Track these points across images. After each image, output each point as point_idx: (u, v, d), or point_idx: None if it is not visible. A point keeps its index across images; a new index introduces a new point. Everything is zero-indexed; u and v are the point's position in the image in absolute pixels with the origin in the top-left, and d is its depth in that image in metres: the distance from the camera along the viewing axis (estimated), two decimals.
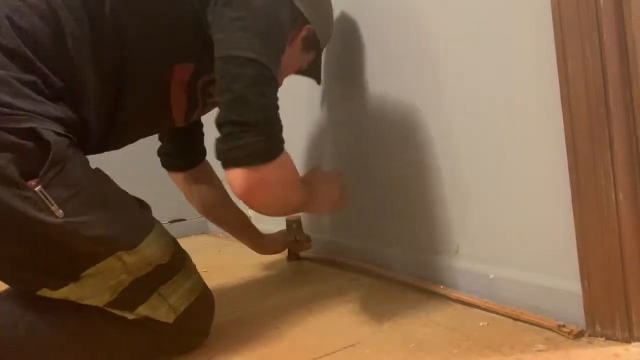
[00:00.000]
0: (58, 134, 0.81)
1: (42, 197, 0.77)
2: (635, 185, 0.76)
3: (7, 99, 0.79)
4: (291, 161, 0.97)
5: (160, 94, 1.00)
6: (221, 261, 1.70)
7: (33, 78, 0.82)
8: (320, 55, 1.25)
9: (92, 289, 0.85)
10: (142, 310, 0.89)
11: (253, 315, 1.13)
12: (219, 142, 0.89)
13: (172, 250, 0.94)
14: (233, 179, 0.89)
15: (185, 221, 2.21)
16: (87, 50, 0.88)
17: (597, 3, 0.75)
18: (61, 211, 0.78)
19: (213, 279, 1.46)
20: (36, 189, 0.77)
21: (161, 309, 0.90)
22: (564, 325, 0.85)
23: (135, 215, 0.90)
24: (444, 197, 1.11)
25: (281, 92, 0.94)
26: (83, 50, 0.88)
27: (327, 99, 1.46)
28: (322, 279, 1.36)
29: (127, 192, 0.92)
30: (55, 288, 0.84)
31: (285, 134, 0.93)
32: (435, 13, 1.05)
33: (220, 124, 0.89)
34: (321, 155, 1.52)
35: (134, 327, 0.89)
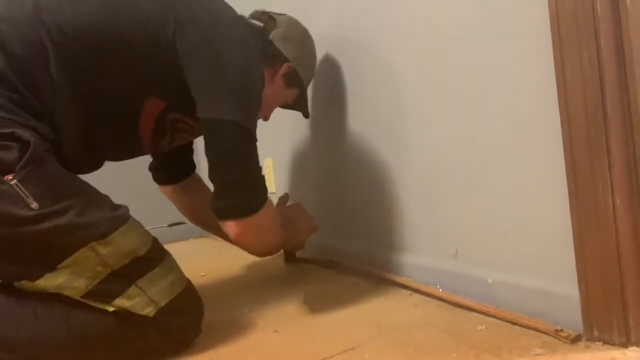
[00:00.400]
0: (37, 138, 0.87)
1: (18, 190, 0.82)
2: (632, 190, 0.76)
3: None
4: (272, 209, 1.15)
5: (130, 125, 1.06)
6: (220, 264, 1.70)
7: (17, 97, 0.89)
8: (305, 91, 1.35)
9: (68, 279, 0.88)
10: (120, 302, 0.90)
11: (252, 318, 1.13)
12: (212, 199, 1.04)
13: (150, 244, 0.96)
14: (227, 229, 1.06)
15: (184, 224, 2.20)
16: (64, 80, 0.94)
17: (595, 10, 0.76)
18: (36, 204, 0.83)
19: (212, 282, 1.46)
20: (12, 182, 0.82)
21: (139, 301, 0.91)
22: (561, 330, 0.85)
23: (107, 210, 0.93)
24: (443, 201, 1.11)
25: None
26: (61, 80, 0.93)
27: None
28: (321, 281, 1.36)
29: (104, 194, 0.96)
30: (33, 279, 0.87)
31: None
32: (432, 20, 1.06)
33: (211, 180, 1.04)
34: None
35: (119, 321, 0.91)
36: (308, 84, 1.36)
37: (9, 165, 0.83)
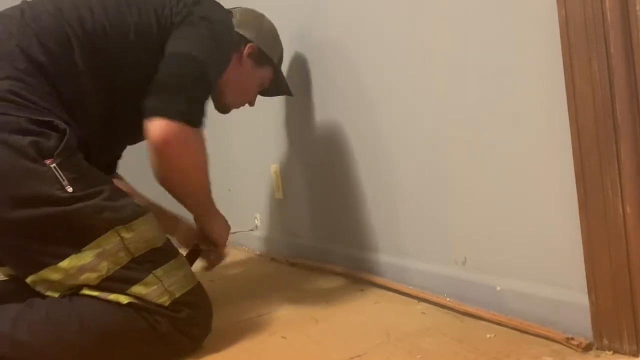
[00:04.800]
0: (71, 131, 0.95)
1: (56, 172, 0.90)
2: None
3: (34, 97, 0.95)
4: (204, 145, 1.09)
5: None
6: (227, 270, 1.71)
7: (54, 90, 0.99)
8: (279, 69, 1.44)
9: (91, 262, 0.91)
10: (137, 290, 0.93)
11: (259, 325, 1.13)
12: (149, 99, 1.01)
13: (165, 238, 1.02)
14: (154, 128, 0.99)
15: None
16: (89, 71, 1.03)
17: (604, 16, 0.75)
18: (71, 187, 0.90)
19: (220, 288, 1.46)
20: (52, 165, 0.90)
21: (155, 289, 0.94)
22: (572, 338, 0.84)
23: (129, 200, 1.00)
24: (451, 209, 1.11)
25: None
26: (86, 71, 1.03)
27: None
28: (329, 289, 1.36)
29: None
30: (58, 258, 0.91)
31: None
32: (441, 27, 1.06)
33: (156, 90, 1.02)
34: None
35: (131, 314, 0.92)
36: (279, 61, 1.44)
37: (49, 150, 0.90)
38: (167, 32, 1.08)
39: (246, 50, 1.33)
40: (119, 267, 0.93)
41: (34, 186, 0.89)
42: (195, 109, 1.05)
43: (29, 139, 0.90)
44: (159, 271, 0.95)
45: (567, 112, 0.82)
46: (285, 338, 1.04)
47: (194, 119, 1.04)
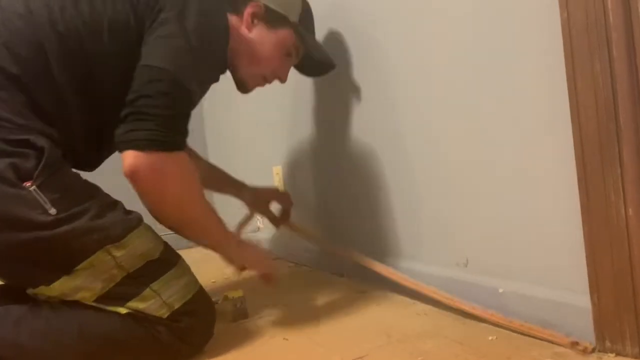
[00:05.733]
0: (51, 145, 0.89)
1: (37, 195, 0.85)
2: None
3: (7, 115, 0.88)
4: (192, 168, 1.00)
5: None
6: (230, 271, 1.70)
7: (30, 101, 0.91)
8: (303, 33, 1.20)
9: (84, 282, 0.89)
10: (134, 304, 0.91)
11: (261, 326, 1.13)
12: (118, 129, 0.93)
13: (162, 248, 0.97)
14: (124, 161, 0.92)
15: None
16: (66, 79, 0.95)
17: (607, 19, 0.75)
18: (54, 209, 0.86)
19: (222, 289, 1.46)
20: (31, 188, 0.85)
21: (153, 302, 0.92)
22: (577, 343, 0.84)
23: (121, 213, 0.94)
24: (453, 210, 1.11)
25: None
26: (63, 79, 0.94)
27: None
28: (330, 290, 1.36)
29: (117, 200, 0.96)
30: (50, 281, 0.88)
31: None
32: (446, 30, 1.06)
33: (125, 116, 0.92)
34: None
35: (131, 322, 0.91)
36: (301, 20, 1.20)
37: (27, 172, 0.85)
38: (142, 24, 0.97)
39: (249, 10, 1.14)
40: (113, 284, 0.90)
41: (15, 211, 0.84)
42: (170, 131, 0.93)
43: (6, 161, 0.85)
44: (156, 284, 0.93)
45: (569, 115, 0.82)
46: (287, 340, 1.04)
47: (169, 143, 0.93)
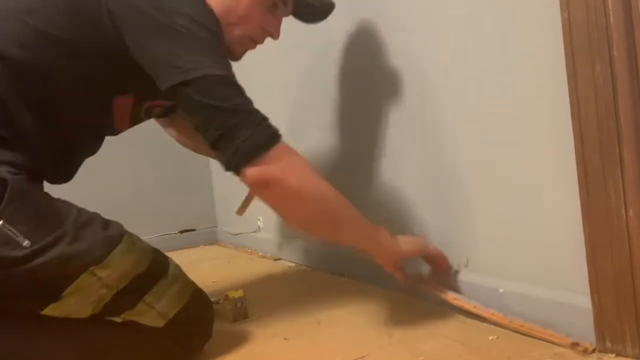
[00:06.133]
0: (13, 173, 0.83)
1: (6, 231, 0.80)
2: None
3: None
4: (292, 150, 0.93)
5: (105, 128, 1.05)
6: (230, 272, 1.70)
7: None
8: None
9: (74, 306, 0.86)
10: (128, 317, 0.90)
11: (262, 326, 1.13)
12: (219, 157, 0.90)
13: (149, 258, 0.93)
14: (247, 181, 0.89)
15: (195, 231, 2.21)
16: (18, 98, 0.89)
17: (607, 19, 0.75)
18: (27, 241, 0.80)
19: (223, 289, 1.46)
20: None
21: (147, 315, 0.90)
22: (577, 343, 0.84)
23: (100, 230, 0.89)
24: (454, 210, 1.11)
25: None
26: (15, 98, 0.88)
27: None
28: (330, 290, 1.36)
29: (93, 212, 0.92)
30: (39, 308, 0.85)
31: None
32: (445, 30, 1.06)
33: (212, 144, 0.90)
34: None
35: (127, 329, 0.90)
36: None
37: None
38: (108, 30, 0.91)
39: None
40: (104, 302, 0.87)
41: None
42: (256, 124, 0.89)
43: None
44: (148, 297, 0.90)
45: (569, 115, 0.81)
46: (287, 340, 1.04)
47: (267, 136, 0.89)
